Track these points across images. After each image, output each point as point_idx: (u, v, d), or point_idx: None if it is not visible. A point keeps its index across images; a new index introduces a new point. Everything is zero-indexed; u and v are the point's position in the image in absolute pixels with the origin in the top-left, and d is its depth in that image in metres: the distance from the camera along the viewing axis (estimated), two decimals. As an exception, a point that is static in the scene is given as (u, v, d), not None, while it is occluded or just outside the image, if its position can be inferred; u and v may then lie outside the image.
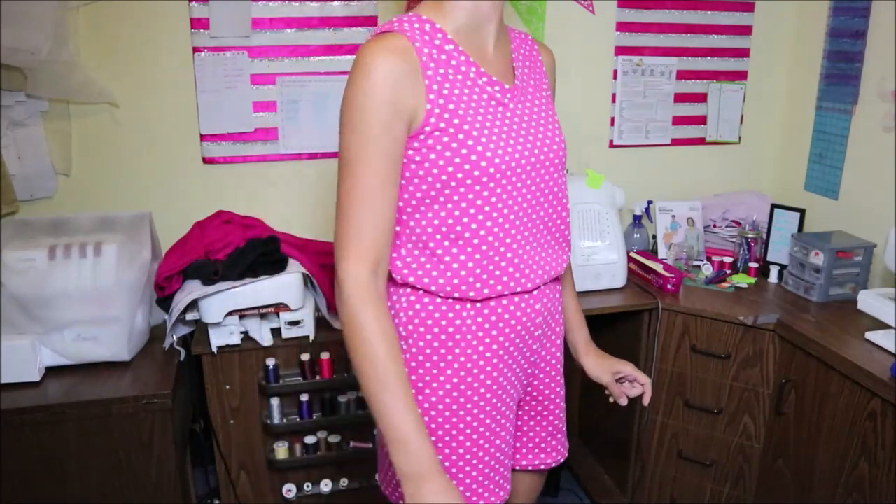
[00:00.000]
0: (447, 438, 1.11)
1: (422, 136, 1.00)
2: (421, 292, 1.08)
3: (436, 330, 1.08)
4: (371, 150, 0.98)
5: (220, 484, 1.78)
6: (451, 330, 1.09)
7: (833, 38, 2.12)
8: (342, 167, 1.01)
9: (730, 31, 2.26)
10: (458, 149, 1.01)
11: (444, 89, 1.01)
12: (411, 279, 1.07)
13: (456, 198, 1.03)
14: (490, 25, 1.08)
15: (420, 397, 1.09)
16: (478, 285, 1.07)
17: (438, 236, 1.05)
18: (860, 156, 2.04)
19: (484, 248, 1.05)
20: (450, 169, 1.01)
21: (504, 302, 1.10)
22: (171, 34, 1.87)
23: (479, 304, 1.09)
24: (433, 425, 1.10)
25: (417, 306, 1.08)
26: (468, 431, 1.11)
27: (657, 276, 1.99)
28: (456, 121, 1.01)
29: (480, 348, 1.10)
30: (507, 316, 1.11)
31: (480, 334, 1.10)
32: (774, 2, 2.26)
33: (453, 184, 1.02)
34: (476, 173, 1.02)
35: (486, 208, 1.04)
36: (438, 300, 1.08)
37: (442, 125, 1.00)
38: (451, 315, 1.08)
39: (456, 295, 1.07)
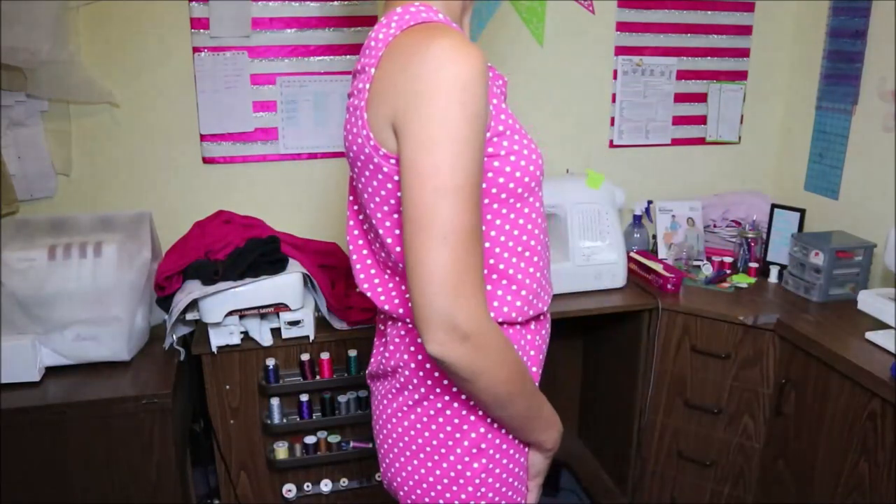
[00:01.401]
0: (522, 461, 1.04)
1: (490, 146, 0.89)
2: (500, 325, 0.96)
3: (524, 359, 0.99)
4: (478, 166, 0.83)
5: (220, 484, 1.79)
6: (531, 354, 1.01)
7: (833, 38, 2.12)
8: (450, 190, 0.80)
9: (730, 31, 2.26)
10: (520, 152, 0.91)
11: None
12: (492, 314, 0.95)
13: (519, 205, 0.94)
14: (467, 18, 1.03)
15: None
16: (535, 300, 0.99)
17: (506, 254, 0.95)
18: (860, 156, 2.04)
19: (535, 258, 0.98)
20: (517, 174, 0.91)
21: (544, 312, 1.05)
22: (171, 34, 1.87)
23: (540, 318, 1.04)
24: (515, 454, 1.02)
25: None
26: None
27: (657, 276, 1.99)
28: (510, 121, 0.92)
29: (535, 369, 1.03)
30: (545, 329, 1.06)
31: (533, 353, 1.02)
32: (774, 2, 2.26)
33: (520, 191, 0.93)
34: (528, 179, 0.93)
35: (533, 215, 0.97)
36: (517, 327, 0.99)
37: (500, 128, 0.90)
38: (528, 337, 1.01)
39: (531, 314, 0.99)
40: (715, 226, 2.26)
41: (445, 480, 0.99)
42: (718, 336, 1.88)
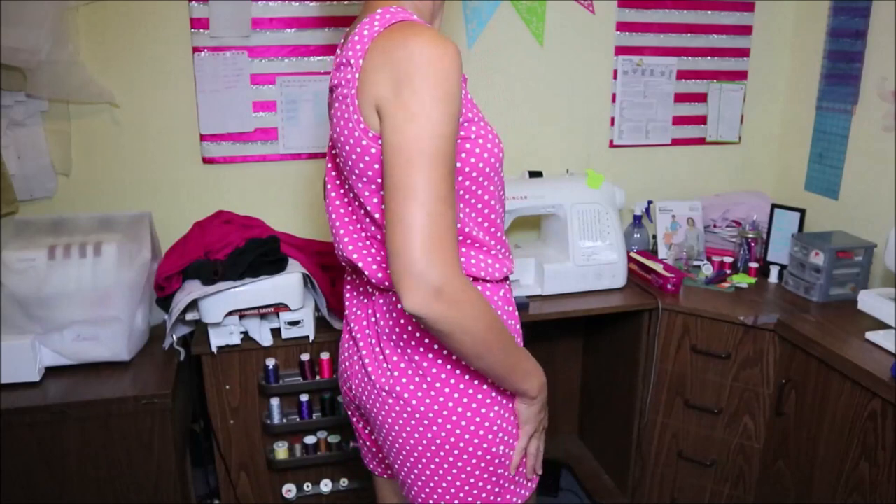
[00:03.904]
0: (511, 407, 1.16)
1: (462, 131, 1.00)
2: (478, 282, 1.10)
3: (498, 313, 1.11)
4: (452, 141, 0.91)
5: (220, 484, 1.79)
6: (508, 309, 1.13)
7: (833, 38, 2.12)
8: (428, 157, 0.88)
9: (730, 31, 2.26)
10: (486, 136, 1.03)
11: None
12: (473, 270, 1.08)
13: (486, 183, 1.05)
14: (438, 21, 1.13)
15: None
16: (505, 261, 1.13)
17: (475, 224, 1.07)
18: (860, 156, 2.04)
19: (499, 233, 1.12)
20: (485, 155, 1.03)
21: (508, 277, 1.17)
22: (171, 34, 1.87)
23: (508, 279, 1.16)
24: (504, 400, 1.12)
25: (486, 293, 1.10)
26: None
27: (657, 276, 1.99)
28: (475, 110, 1.03)
29: (513, 322, 1.15)
30: (511, 291, 1.18)
31: (510, 308, 1.15)
32: (774, 2, 2.26)
33: (488, 170, 1.03)
34: (493, 161, 1.04)
35: (497, 193, 1.08)
36: (491, 284, 1.10)
37: (469, 115, 1.01)
38: (501, 293, 1.12)
39: (505, 272, 1.11)
40: (715, 226, 2.26)
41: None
42: (718, 336, 1.88)
